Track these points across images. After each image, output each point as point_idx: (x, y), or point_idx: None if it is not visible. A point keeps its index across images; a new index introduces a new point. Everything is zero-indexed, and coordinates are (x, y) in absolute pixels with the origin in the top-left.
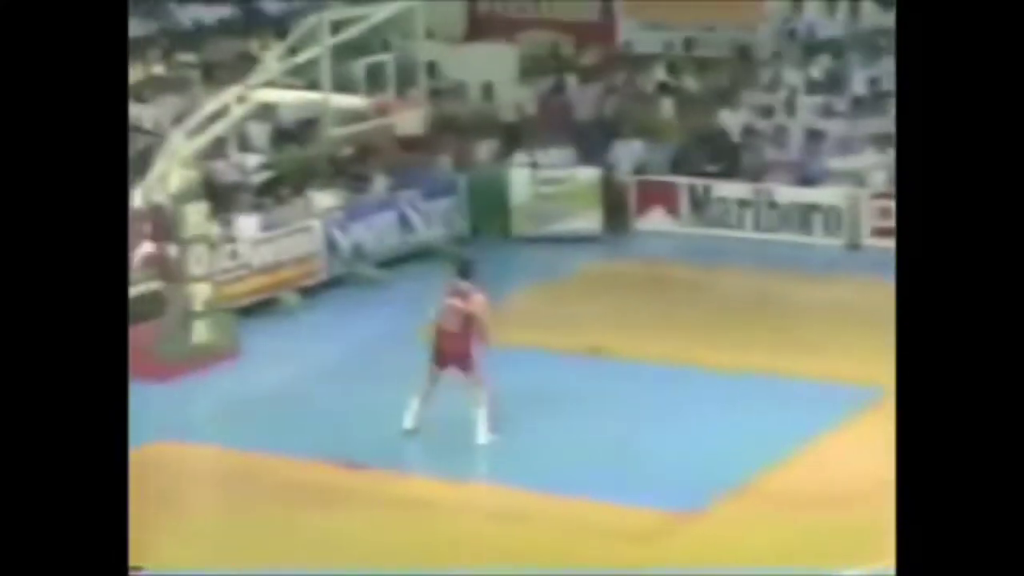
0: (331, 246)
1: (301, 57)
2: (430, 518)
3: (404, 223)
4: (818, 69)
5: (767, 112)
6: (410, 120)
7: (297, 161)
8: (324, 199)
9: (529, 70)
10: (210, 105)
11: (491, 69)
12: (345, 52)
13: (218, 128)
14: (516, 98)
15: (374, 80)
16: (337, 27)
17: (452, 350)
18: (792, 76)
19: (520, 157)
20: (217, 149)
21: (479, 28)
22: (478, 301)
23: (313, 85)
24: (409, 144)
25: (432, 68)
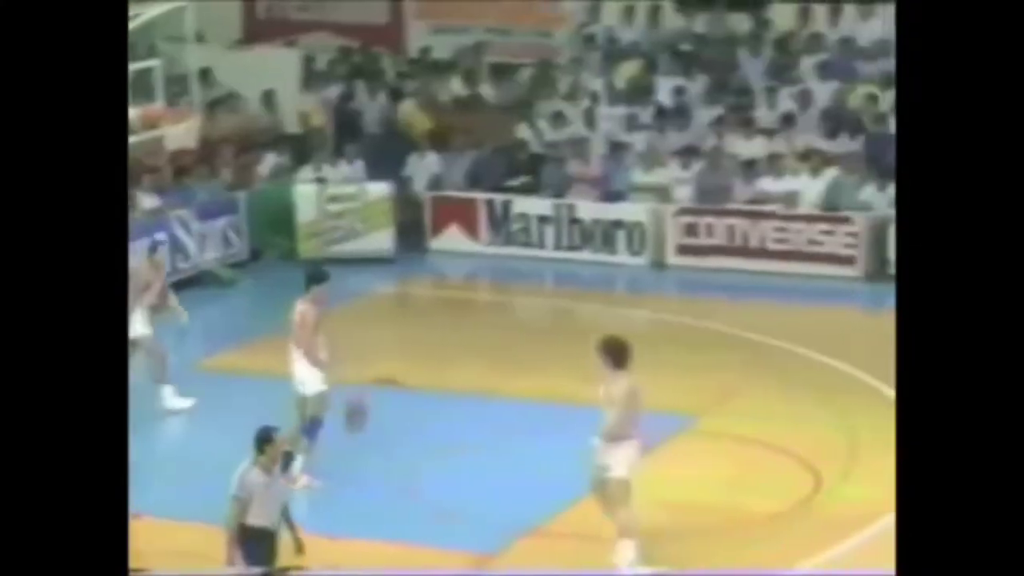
0: None
1: None
2: None
3: (175, 246)
4: (620, 78)
5: (567, 123)
6: (182, 132)
7: None
8: None
9: (314, 77)
10: None
11: (272, 76)
12: None
13: None
14: (300, 107)
15: (140, 89)
16: None
17: None
18: (593, 84)
19: (306, 172)
20: None
21: (257, 31)
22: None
23: None
24: (181, 159)
25: (206, 75)
